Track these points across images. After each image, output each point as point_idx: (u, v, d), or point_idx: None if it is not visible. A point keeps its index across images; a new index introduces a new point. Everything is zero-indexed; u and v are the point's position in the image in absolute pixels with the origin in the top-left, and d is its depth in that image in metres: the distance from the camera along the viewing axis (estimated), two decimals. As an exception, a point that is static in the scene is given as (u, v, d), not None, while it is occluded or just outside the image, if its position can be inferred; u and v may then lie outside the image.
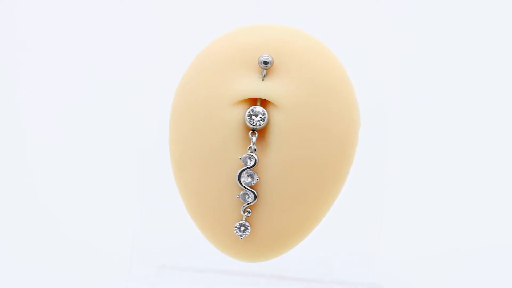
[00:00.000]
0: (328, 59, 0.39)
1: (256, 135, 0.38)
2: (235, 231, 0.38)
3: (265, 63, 0.37)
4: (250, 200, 0.38)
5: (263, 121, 0.37)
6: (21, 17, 0.68)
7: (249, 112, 0.37)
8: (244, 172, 0.38)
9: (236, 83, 0.38)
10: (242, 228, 0.38)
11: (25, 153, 0.62)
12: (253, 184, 0.38)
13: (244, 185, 0.38)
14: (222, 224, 0.39)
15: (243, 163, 0.38)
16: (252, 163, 0.37)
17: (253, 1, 0.73)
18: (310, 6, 0.50)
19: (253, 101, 0.38)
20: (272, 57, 0.37)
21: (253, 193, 0.38)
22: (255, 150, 0.38)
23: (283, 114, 0.38)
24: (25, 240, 0.52)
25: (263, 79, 0.38)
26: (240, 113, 0.38)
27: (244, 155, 0.38)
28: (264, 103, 0.38)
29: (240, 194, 0.38)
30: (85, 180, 0.58)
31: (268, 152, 0.38)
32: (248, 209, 0.38)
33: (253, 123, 0.37)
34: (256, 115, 0.37)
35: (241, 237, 0.38)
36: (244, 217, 0.38)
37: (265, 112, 0.37)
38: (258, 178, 0.38)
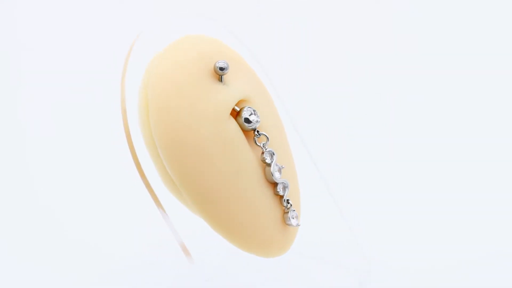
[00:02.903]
0: (242, 60, 0.41)
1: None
2: (293, 223, 0.39)
3: (222, 69, 0.38)
4: (287, 190, 0.39)
5: (259, 120, 0.39)
6: (21, 17, 0.68)
7: (246, 117, 0.38)
8: (276, 166, 0.38)
9: (218, 94, 0.38)
10: (296, 217, 0.39)
11: (25, 152, 0.62)
12: (281, 175, 0.39)
13: (278, 179, 0.39)
14: (268, 226, 0.38)
15: (268, 161, 0.38)
16: (275, 157, 0.38)
17: (253, 2, 0.74)
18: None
19: None
20: (227, 63, 0.38)
21: (287, 182, 0.39)
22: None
23: (255, 108, 0.39)
24: (26, 240, 0.52)
25: (224, 83, 0.38)
26: (233, 121, 0.38)
27: (265, 153, 0.38)
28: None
29: (279, 188, 0.39)
30: (87, 180, 0.58)
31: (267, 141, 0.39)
32: (287, 199, 0.39)
33: (253, 123, 0.38)
34: (254, 117, 0.38)
35: (299, 225, 0.39)
36: (291, 207, 0.39)
37: (256, 111, 0.39)
38: (283, 166, 0.39)
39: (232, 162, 0.37)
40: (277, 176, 0.38)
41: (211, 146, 0.36)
